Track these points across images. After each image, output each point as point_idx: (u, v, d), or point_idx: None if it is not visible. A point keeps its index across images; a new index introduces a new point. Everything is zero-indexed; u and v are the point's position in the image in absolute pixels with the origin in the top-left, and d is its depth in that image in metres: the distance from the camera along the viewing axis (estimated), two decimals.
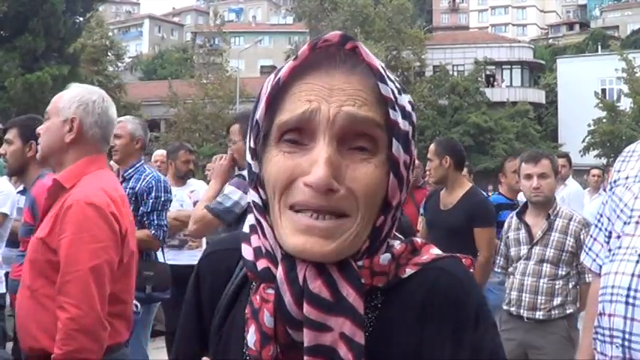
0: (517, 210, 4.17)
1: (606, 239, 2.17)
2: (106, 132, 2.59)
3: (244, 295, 1.05)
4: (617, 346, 1.90)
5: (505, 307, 3.99)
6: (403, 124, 0.94)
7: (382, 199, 0.94)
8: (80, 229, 2.30)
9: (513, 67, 44.23)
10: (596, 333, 2.03)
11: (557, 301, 3.82)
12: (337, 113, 0.90)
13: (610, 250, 2.09)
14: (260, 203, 0.98)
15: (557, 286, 3.83)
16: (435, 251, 1.02)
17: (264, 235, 0.97)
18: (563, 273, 3.85)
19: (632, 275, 1.89)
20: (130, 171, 4.41)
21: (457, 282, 0.98)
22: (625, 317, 1.88)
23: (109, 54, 36.86)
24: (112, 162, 5.94)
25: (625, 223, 2.01)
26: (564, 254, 3.85)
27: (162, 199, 4.44)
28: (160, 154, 7.73)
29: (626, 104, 34.23)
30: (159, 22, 77.50)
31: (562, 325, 3.86)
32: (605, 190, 8.24)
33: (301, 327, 0.90)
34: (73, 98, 2.53)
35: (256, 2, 78.78)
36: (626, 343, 1.87)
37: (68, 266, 2.27)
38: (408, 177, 0.97)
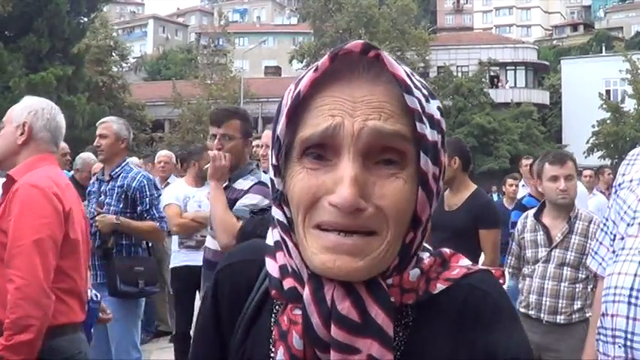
0: (534, 211, 4.08)
1: (612, 242, 2.18)
2: (55, 135, 2.87)
3: (266, 310, 1.03)
4: (619, 347, 1.90)
5: (522, 310, 3.91)
6: (431, 135, 0.89)
7: (411, 214, 0.90)
8: (24, 207, 2.55)
9: (517, 68, 44.18)
10: (599, 334, 2.03)
11: (577, 304, 3.78)
12: (362, 128, 0.85)
13: (614, 252, 2.09)
14: (285, 221, 0.94)
15: (577, 290, 3.79)
16: (464, 262, 0.99)
17: (290, 254, 0.94)
18: (583, 276, 3.80)
19: (635, 275, 1.90)
20: (116, 170, 4.58)
21: (489, 299, 0.95)
22: (627, 317, 1.88)
23: (113, 54, 36.82)
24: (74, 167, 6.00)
25: (628, 224, 2.02)
26: (585, 257, 3.74)
27: (155, 195, 4.67)
28: (164, 154, 7.74)
29: (630, 105, 34.21)
30: (163, 22, 77.57)
31: (582, 328, 3.75)
32: (601, 192, 8.32)
33: (329, 348, 0.87)
34: (25, 107, 2.84)
35: (260, 3, 78.83)
36: (629, 343, 1.87)
37: (14, 241, 2.51)
38: (438, 188, 0.93)
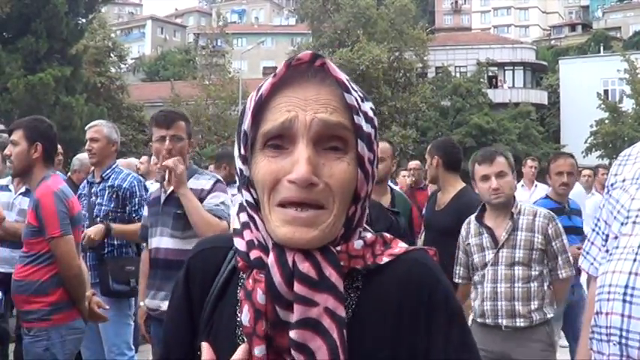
0: (475, 214, 3.89)
1: (603, 243, 2.18)
2: None
3: (232, 287, 1.19)
4: (614, 344, 1.91)
5: (479, 320, 3.74)
6: (366, 127, 1.11)
7: (353, 191, 1.10)
8: None
9: (516, 68, 44.22)
10: (593, 332, 2.04)
11: (534, 304, 3.62)
12: (312, 119, 1.06)
13: (607, 251, 2.10)
14: (252, 201, 1.13)
15: (532, 289, 3.63)
16: (403, 245, 1.18)
17: (257, 229, 1.12)
18: (537, 273, 3.65)
19: (630, 273, 1.90)
20: (107, 172, 4.77)
21: (428, 270, 1.15)
22: (622, 315, 1.89)
23: (112, 55, 36.68)
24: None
25: (622, 223, 2.03)
26: (534, 253, 3.63)
27: (145, 196, 4.77)
28: None
29: (628, 105, 34.21)
30: (161, 23, 77.57)
31: (544, 331, 3.68)
32: (598, 192, 8.29)
33: (289, 305, 1.04)
34: None
35: (259, 3, 78.83)
36: (624, 341, 1.87)
37: None
38: (373, 171, 1.13)
